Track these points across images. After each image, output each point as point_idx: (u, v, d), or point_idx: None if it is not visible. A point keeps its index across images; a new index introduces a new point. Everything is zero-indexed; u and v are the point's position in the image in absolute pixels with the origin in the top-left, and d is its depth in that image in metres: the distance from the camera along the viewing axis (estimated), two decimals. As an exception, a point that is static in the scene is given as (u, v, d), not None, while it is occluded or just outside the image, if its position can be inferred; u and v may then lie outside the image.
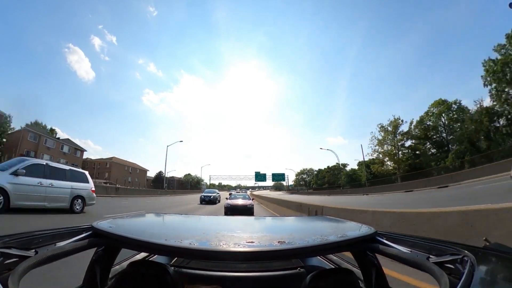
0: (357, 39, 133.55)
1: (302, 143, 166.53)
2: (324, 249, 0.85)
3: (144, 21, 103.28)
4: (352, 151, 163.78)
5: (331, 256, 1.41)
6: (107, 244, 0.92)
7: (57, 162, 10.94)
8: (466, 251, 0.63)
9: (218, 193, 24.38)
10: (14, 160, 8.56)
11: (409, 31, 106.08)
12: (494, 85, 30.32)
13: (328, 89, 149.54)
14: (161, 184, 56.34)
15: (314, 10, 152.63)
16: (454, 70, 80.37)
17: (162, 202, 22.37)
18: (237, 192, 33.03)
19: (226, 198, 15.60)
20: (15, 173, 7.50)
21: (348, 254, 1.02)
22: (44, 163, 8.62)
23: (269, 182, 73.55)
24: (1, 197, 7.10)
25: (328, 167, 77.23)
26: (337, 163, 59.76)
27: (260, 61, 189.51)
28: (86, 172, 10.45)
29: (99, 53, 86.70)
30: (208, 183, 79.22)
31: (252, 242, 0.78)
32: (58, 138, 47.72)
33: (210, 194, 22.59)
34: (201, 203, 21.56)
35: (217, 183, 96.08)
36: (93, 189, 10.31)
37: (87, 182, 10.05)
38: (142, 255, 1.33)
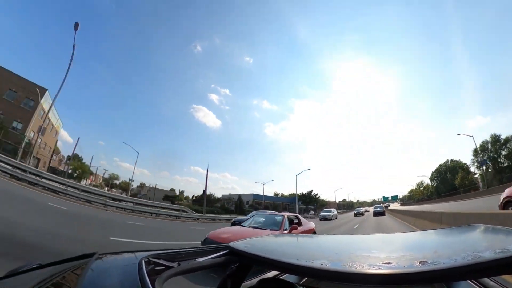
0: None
1: (435, 135, 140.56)
2: (477, 270, 0.63)
3: (246, 70, 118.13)
4: (500, 129, 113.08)
5: (487, 281, 1.10)
6: (241, 261, 0.98)
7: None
8: None
9: (335, 212, 33.59)
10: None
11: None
12: None
13: (450, 60, 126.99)
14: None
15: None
16: None
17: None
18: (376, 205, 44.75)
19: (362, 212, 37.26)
20: None
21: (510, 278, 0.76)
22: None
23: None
24: None
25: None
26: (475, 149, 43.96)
27: (362, 60, 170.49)
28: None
29: (219, 105, 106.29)
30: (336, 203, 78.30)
31: (389, 263, 0.68)
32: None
33: (329, 213, 30.78)
34: (320, 220, 28.29)
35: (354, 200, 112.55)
36: None
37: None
38: (273, 273, 1.33)
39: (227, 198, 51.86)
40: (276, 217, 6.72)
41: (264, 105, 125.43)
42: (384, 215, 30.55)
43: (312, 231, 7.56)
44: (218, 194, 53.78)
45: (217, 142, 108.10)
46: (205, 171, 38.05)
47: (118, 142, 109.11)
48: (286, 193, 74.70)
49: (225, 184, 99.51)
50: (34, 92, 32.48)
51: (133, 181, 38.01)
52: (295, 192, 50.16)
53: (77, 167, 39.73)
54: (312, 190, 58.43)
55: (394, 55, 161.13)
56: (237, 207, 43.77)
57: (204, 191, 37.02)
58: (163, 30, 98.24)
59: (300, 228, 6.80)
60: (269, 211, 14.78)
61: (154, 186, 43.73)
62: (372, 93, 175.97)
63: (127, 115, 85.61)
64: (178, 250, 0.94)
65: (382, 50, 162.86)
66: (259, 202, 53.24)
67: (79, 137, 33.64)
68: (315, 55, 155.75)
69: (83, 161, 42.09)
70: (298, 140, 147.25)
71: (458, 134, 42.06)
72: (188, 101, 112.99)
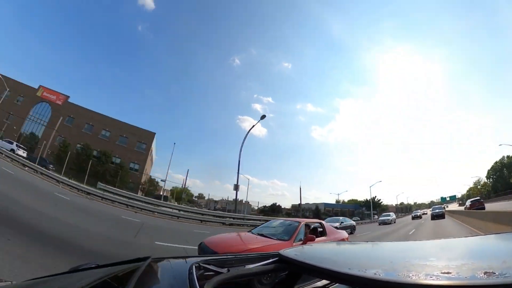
0: None
1: (491, 122, 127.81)
2: None
3: (285, 76, 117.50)
4: None
5: None
6: (290, 269, 0.96)
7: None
8: None
9: (393, 216, 31.83)
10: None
11: None
12: None
13: (501, 29, 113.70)
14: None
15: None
16: None
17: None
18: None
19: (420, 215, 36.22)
20: None
21: None
22: None
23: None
24: None
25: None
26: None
27: (402, 48, 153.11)
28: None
29: (263, 114, 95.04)
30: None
31: (448, 272, 0.61)
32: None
33: (388, 218, 29.50)
34: (379, 224, 28.02)
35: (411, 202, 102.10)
36: None
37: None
38: (323, 282, 1.27)
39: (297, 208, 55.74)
40: (289, 225, 5.66)
41: (309, 109, 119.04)
42: (444, 217, 27.28)
43: None
44: (268, 201, 57.13)
45: (265, 150, 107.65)
46: (254, 179, 40.49)
47: (172, 156, 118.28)
48: (344, 199, 73.72)
49: (275, 191, 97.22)
50: (146, 136, 40.81)
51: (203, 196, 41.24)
52: (354, 199, 59.32)
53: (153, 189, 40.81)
54: (375, 196, 59.16)
55: (435, 36, 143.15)
56: (315, 215, 45.76)
57: (299, 204, 41.65)
58: (202, 52, 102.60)
59: (321, 239, 5.56)
60: (341, 217, 17.87)
61: (226, 199, 46.03)
62: (417, 82, 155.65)
63: (179, 132, 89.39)
64: (228, 256, 0.99)
65: (422, 33, 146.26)
66: (329, 210, 56.19)
67: (187, 169, 38.64)
68: (352, 50, 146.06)
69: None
70: (347, 141, 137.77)
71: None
72: (234, 113, 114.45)
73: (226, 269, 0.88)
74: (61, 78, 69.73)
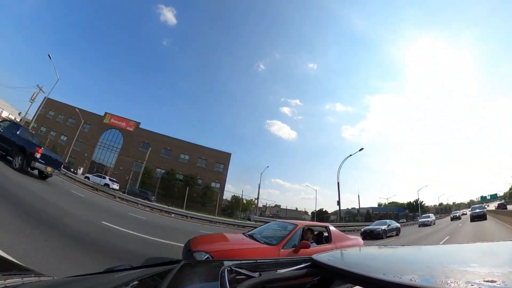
0: None
1: None
2: None
3: (312, 77, 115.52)
4: None
5: None
6: (323, 275, 0.93)
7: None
8: None
9: (433, 217, 30.66)
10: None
11: None
12: None
13: None
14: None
15: None
16: None
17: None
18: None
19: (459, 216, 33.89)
20: None
21: None
22: None
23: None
24: None
25: None
26: None
27: (427, 36, 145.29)
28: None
29: (292, 116, 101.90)
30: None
31: (492, 281, 0.54)
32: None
33: (427, 219, 28.52)
34: (419, 226, 27.49)
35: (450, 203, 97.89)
36: None
37: None
38: None
39: (348, 212, 57.72)
40: (284, 229, 4.90)
41: (338, 108, 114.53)
42: (485, 218, 24.88)
43: None
44: (300, 205, 57.86)
45: (295, 153, 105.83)
46: (286, 183, 41.66)
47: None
48: (385, 202, 73.96)
49: (307, 194, 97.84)
50: (223, 157, 44.28)
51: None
52: (394, 201, 60.85)
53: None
54: (418, 199, 58.99)
55: (461, 18, 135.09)
56: (367, 219, 47.25)
57: (358, 209, 43.97)
58: (226, 61, 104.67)
59: (323, 247, 4.76)
60: (388, 220, 19.04)
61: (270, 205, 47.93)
62: (448, 71, 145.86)
63: (209, 140, 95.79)
64: (260, 261, 0.98)
65: (445, 18, 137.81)
66: (376, 213, 57.63)
67: (259, 183, 38.39)
68: (376, 44, 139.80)
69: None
70: (380, 140, 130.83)
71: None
72: (262, 118, 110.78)
73: (258, 273, 0.87)
74: (98, 99, 79.37)
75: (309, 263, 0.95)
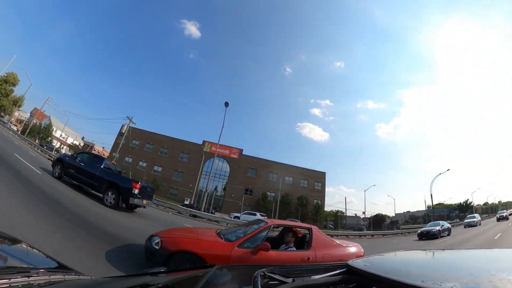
0: None
1: None
2: None
3: (340, 75, 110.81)
4: None
5: None
6: (360, 282, 0.90)
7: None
8: None
9: (478, 218, 28.79)
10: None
11: None
12: None
13: None
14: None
15: None
16: None
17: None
18: None
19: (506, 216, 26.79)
20: None
21: None
22: None
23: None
24: None
25: None
26: None
27: (455, 17, 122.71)
28: None
29: (323, 118, 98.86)
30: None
31: None
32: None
33: (473, 220, 26.83)
34: (464, 227, 25.97)
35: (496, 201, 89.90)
36: None
37: None
38: None
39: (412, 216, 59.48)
40: (250, 226, 4.56)
41: (370, 106, 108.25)
42: None
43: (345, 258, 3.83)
44: (335, 209, 58.80)
45: (328, 155, 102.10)
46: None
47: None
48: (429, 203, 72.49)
49: (341, 197, 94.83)
50: (320, 176, 48.72)
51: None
52: (440, 202, 59.48)
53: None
54: (468, 199, 59.33)
55: None
56: (425, 221, 48.48)
57: (433, 208, 43.94)
58: (253, 68, 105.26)
59: (297, 254, 4.09)
60: (441, 221, 20.23)
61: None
62: (481, 55, 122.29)
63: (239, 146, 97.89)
64: (293, 266, 0.97)
65: None
66: (430, 215, 60.79)
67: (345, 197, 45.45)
68: (401, 35, 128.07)
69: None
70: (417, 136, 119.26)
71: None
72: (292, 121, 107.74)
73: (291, 279, 0.86)
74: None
75: (345, 269, 0.92)
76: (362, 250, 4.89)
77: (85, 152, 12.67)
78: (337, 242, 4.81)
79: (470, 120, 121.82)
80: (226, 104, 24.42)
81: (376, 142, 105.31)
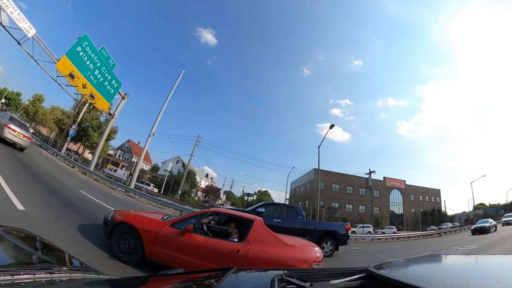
0: None
1: None
2: None
3: (358, 74, 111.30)
4: None
5: None
6: (379, 287, 0.87)
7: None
8: None
9: (493, 222, 25.84)
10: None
11: None
12: None
13: None
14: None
15: None
16: None
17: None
18: None
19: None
20: None
21: None
22: None
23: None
24: None
25: None
26: None
27: (469, 4, 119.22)
28: None
29: (343, 118, 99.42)
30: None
31: None
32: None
33: (484, 224, 24.49)
34: (502, 225, 25.20)
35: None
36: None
37: None
38: None
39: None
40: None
41: (390, 103, 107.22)
42: None
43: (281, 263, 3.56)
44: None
45: (349, 155, 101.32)
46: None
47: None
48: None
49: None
50: (436, 192, 55.23)
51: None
52: (481, 202, 62.26)
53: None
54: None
55: None
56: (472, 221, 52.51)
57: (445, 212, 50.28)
58: (271, 71, 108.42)
59: (225, 244, 3.79)
60: (489, 219, 23.35)
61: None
62: (504, 40, 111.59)
63: (258, 148, 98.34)
64: (312, 271, 0.95)
65: None
66: (479, 214, 63.41)
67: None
68: (417, 28, 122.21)
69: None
70: (440, 132, 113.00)
71: None
72: (312, 122, 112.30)
73: (309, 283, 0.85)
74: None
75: (364, 274, 0.90)
76: (315, 254, 3.93)
77: (271, 204, 10.62)
78: (286, 241, 3.96)
79: (500, 112, 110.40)
80: (331, 126, 20.93)
81: (399, 140, 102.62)
